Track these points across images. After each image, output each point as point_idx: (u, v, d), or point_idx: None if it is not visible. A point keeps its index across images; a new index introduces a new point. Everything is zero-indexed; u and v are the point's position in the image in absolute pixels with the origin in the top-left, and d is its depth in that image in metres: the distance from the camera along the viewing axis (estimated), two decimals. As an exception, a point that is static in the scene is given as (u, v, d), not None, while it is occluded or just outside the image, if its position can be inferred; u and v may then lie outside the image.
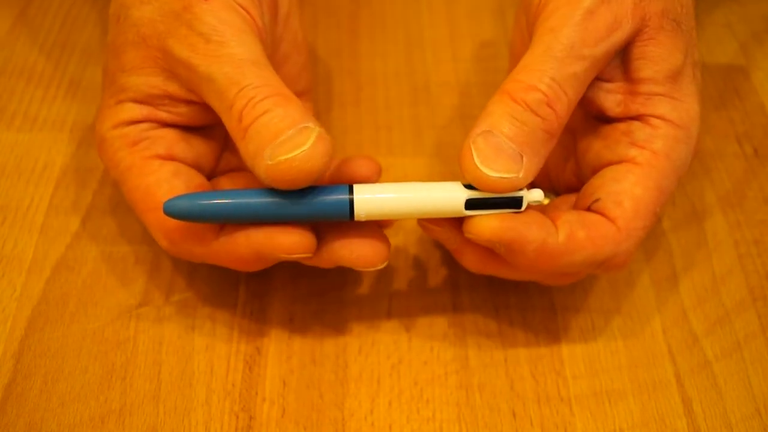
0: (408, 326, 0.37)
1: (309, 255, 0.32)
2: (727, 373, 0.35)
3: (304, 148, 0.29)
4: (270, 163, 0.29)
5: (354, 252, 0.32)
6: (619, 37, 0.31)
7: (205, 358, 0.35)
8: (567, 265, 0.31)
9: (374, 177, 0.35)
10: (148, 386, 0.34)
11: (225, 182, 0.35)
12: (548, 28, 0.31)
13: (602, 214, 0.32)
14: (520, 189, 0.30)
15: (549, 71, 0.31)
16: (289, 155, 0.29)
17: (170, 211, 0.31)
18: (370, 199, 0.30)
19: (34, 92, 0.44)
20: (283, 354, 0.35)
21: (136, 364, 0.35)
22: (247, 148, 0.30)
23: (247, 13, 0.33)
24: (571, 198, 0.35)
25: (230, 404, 0.34)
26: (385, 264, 0.32)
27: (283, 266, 0.38)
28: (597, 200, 0.32)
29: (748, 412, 0.34)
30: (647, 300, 0.38)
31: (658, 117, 0.32)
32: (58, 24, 0.47)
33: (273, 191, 0.30)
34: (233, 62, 0.31)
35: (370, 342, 0.36)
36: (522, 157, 0.30)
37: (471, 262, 0.33)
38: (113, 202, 0.40)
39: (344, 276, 0.38)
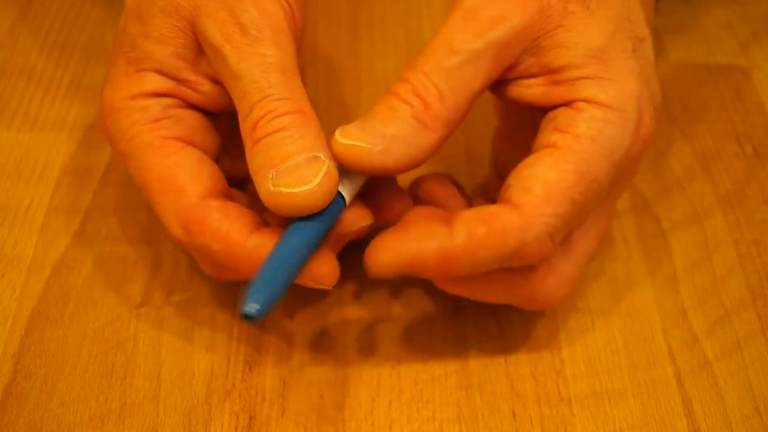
0: (408, 326, 0.37)
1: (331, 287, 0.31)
2: (727, 373, 0.35)
3: (309, 186, 0.29)
4: (272, 189, 0.29)
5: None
6: (503, 31, 0.31)
7: (205, 358, 0.35)
8: (477, 265, 0.30)
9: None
10: (148, 386, 0.34)
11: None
12: (435, 33, 0.32)
13: (509, 201, 0.30)
14: (379, 167, 0.30)
15: (419, 66, 0.31)
16: (293, 190, 0.29)
17: (256, 315, 0.28)
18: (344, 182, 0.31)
19: (34, 92, 0.44)
20: (283, 354, 0.35)
21: (136, 364, 0.35)
22: (253, 160, 0.30)
23: (291, 9, 0.32)
24: None
25: (230, 404, 0.34)
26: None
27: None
28: (508, 186, 0.31)
29: (748, 412, 0.34)
30: (647, 300, 0.38)
31: (583, 100, 0.31)
32: (58, 24, 0.47)
33: (301, 229, 0.30)
34: (264, 64, 0.30)
35: (370, 342, 0.36)
36: (386, 135, 0.30)
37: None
38: (113, 202, 0.40)
39: (344, 276, 0.38)
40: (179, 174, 0.31)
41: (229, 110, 0.33)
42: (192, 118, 0.33)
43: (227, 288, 0.37)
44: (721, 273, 0.39)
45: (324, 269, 0.31)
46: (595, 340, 0.36)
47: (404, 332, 0.36)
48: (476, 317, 0.37)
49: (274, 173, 0.29)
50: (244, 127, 0.31)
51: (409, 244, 0.30)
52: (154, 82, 0.32)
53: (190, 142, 0.32)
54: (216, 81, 0.32)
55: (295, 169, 0.29)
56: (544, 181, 0.30)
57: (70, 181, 0.40)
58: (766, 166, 0.43)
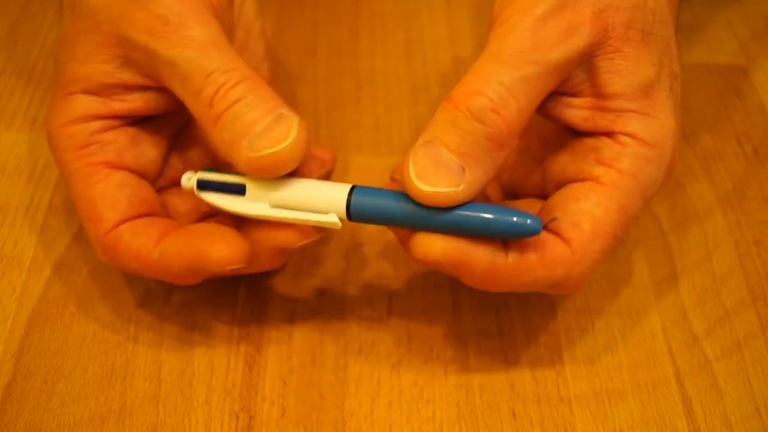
0: (408, 326, 0.37)
1: (243, 266, 0.31)
2: (727, 373, 0.35)
3: (289, 141, 0.29)
4: (252, 155, 0.29)
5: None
6: (576, 44, 0.30)
7: (205, 358, 0.35)
8: (516, 286, 0.31)
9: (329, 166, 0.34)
10: (148, 386, 0.34)
11: (173, 199, 0.35)
12: (498, 35, 0.30)
13: (558, 235, 0.31)
14: (463, 202, 0.29)
15: (495, 75, 0.29)
16: (275, 149, 0.29)
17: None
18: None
19: (34, 92, 0.44)
20: (283, 354, 0.35)
21: (136, 364, 0.35)
22: (220, 136, 0.30)
23: None
24: (532, 202, 0.34)
25: (230, 404, 0.34)
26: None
27: (283, 266, 0.38)
28: (554, 219, 0.31)
29: (748, 412, 0.34)
30: (647, 300, 0.38)
31: (628, 134, 0.31)
32: (58, 24, 0.47)
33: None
34: (195, 45, 0.30)
35: (370, 342, 0.36)
36: (464, 169, 0.29)
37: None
38: (113, 202, 0.40)
39: (344, 275, 0.38)
40: (99, 203, 0.32)
41: (167, 111, 0.33)
42: (122, 137, 0.33)
43: (227, 288, 0.37)
44: (721, 273, 0.39)
45: None
46: (595, 340, 0.36)
47: (404, 332, 0.36)
48: (476, 317, 0.37)
49: (248, 140, 0.29)
50: (198, 108, 0.30)
51: (464, 244, 0.30)
52: (82, 104, 0.32)
53: (117, 165, 0.32)
54: (146, 87, 0.32)
55: (268, 130, 0.29)
56: (592, 218, 0.30)
57: (70, 181, 0.40)
58: (766, 166, 0.43)
